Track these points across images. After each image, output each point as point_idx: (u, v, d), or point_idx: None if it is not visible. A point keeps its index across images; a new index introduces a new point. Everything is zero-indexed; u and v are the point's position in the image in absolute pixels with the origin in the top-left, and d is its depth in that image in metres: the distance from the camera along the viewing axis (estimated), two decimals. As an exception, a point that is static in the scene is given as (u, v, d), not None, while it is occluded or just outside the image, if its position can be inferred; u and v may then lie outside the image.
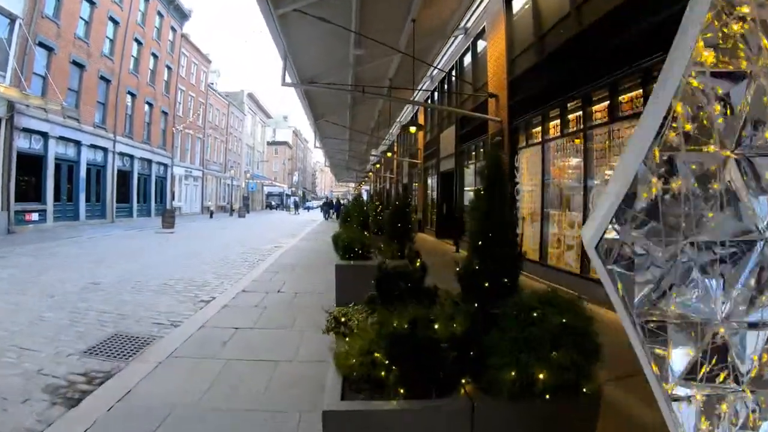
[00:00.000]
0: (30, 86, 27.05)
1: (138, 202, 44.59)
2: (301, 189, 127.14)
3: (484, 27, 18.56)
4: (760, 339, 1.94)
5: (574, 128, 12.34)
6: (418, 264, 5.37)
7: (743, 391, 1.93)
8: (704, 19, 1.81)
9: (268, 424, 4.70)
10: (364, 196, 38.97)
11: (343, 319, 4.88)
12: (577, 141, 12.21)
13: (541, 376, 3.16)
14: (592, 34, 11.13)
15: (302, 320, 8.42)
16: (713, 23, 1.83)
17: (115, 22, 38.25)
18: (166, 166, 50.81)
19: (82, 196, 34.57)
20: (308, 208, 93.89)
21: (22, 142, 27.71)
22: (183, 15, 52.18)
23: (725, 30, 1.85)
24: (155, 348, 7.07)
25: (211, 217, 52.91)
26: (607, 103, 10.91)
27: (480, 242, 4.19)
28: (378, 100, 25.13)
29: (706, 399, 1.93)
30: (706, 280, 1.91)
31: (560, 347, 3.25)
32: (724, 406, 1.93)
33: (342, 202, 58.51)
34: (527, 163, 14.99)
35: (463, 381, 3.46)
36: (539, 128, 14.17)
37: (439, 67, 23.48)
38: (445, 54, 22.19)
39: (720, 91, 1.88)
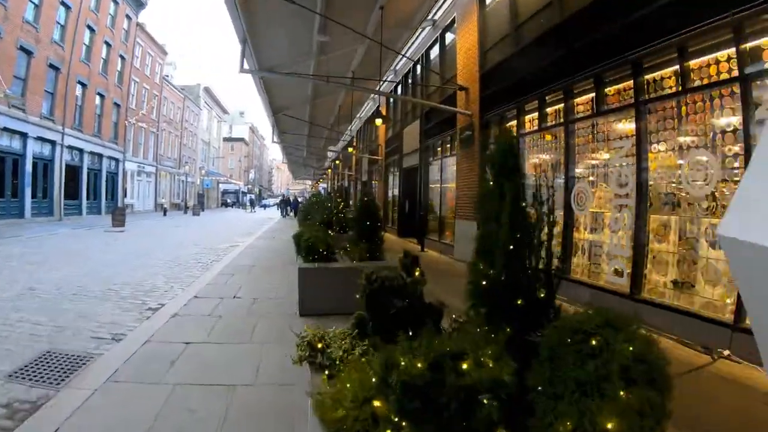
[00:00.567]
0: (-30, 72, 24.90)
1: (88, 198, 42.02)
2: (258, 187, 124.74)
3: (452, 19, 17.71)
4: None
5: (554, 122, 11.62)
6: (417, 273, 4.33)
7: None
8: None
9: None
10: (322, 194, 38.07)
11: (320, 345, 3.85)
12: (557, 135, 11.47)
13: (609, 425, 2.30)
14: (575, 24, 10.41)
15: (262, 331, 7.36)
16: None
17: (67, 7, 35.72)
18: (117, 161, 48.13)
19: (28, 192, 32.16)
20: (264, 206, 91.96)
21: (-42, 133, 25.50)
22: (139, 3, 49.49)
23: None
24: (92, 370, 5.83)
25: (164, 214, 50.46)
26: (591, 95, 10.23)
27: (493, 247, 3.39)
28: (339, 94, 24.19)
29: None
30: None
31: (632, 385, 2.42)
32: None
33: (299, 200, 57.69)
34: (499, 158, 14.11)
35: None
36: (514, 122, 13.34)
37: (409, 54, 22.69)
38: (411, 46, 21.22)
39: None
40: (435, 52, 20.27)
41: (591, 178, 10.30)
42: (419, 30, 19.32)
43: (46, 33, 33.58)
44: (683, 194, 7.80)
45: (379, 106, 30.07)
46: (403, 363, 2.52)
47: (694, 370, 6.29)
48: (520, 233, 3.19)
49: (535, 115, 12.36)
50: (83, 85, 40.15)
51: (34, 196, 33.30)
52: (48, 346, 6.82)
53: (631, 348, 2.44)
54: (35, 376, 5.76)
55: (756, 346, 1.94)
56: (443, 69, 18.66)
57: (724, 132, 7.16)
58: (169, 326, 7.64)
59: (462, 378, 2.49)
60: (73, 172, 39.67)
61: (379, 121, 15.01)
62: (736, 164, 6.91)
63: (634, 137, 8.80)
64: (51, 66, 34.65)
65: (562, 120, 11.18)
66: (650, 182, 8.54)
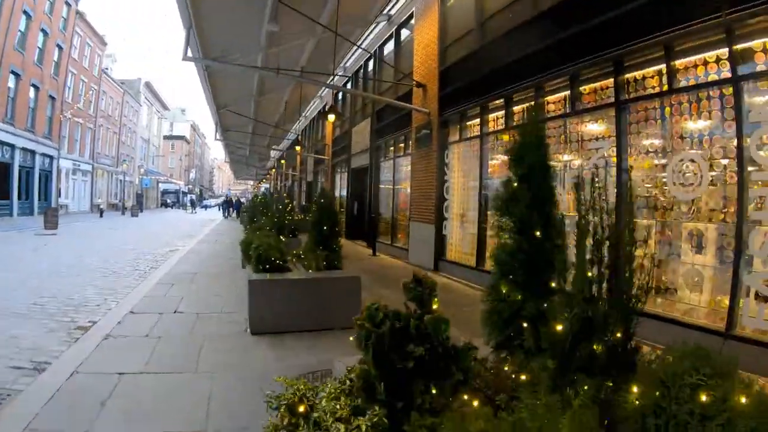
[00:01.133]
0: None
1: (19, 198, 38.44)
2: (199, 187, 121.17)
3: (410, 14, 16.62)
4: None
5: (521, 121, 10.74)
6: (434, 304, 3.27)
7: None
8: None
9: None
10: (266, 195, 36.36)
11: (302, 409, 2.74)
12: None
13: None
14: (550, 19, 9.70)
15: (209, 357, 6.15)
16: None
17: (2, -10, 32.08)
18: (51, 158, 44.36)
19: (-50, 192, 28.84)
20: (206, 207, 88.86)
21: None
22: (80, -12, 46.04)
23: None
24: (4, 417, 4.48)
25: (101, 216, 47.06)
26: (565, 94, 9.66)
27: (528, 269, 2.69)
28: (285, 91, 22.90)
29: None
30: None
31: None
32: None
33: (242, 200, 56.20)
34: (460, 158, 13.34)
35: None
36: (477, 120, 12.55)
37: (359, 54, 21.65)
38: (364, 42, 19.89)
39: None
40: (389, 48, 19.23)
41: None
42: (373, 25, 18.25)
43: (-23, 17, 29.93)
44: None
45: (326, 105, 29.20)
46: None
47: None
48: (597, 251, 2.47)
49: (501, 113, 11.60)
50: (16, 75, 36.68)
51: (-41, 196, 29.85)
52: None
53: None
54: None
55: None
56: (398, 66, 17.73)
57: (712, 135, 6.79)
58: (101, 351, 6.30)
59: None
60: (3, 170, 36.42)
61: (331, 117, 14.06)
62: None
63: (614, 138, 8.28)
64: (-21, 53, 31.13)
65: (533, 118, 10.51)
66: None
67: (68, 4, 45.23)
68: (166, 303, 9.07)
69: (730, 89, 6.49)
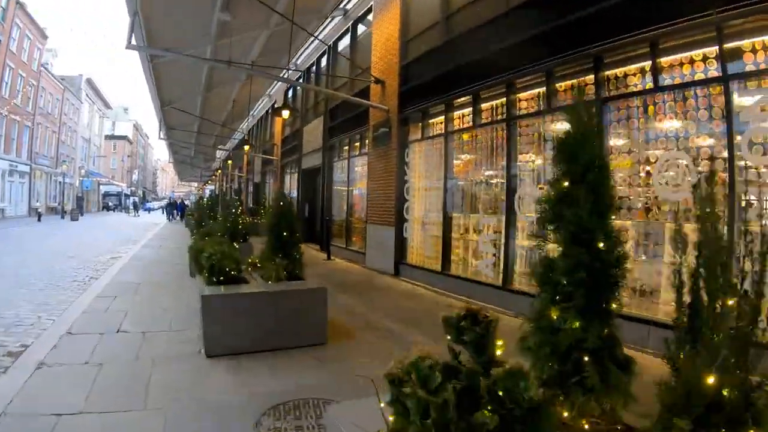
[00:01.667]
0: None
1: None
2: (141, 189, 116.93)
3: (368, 8, 15.67)
4: None
5: (491, 118, 10.31)
6: (497, 348, 2.42)
7: None
8: None
9: None
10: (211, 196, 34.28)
11: None
12: (496, 133, 10.12)
13: None
14: (525, 12, 9.12)
15: (160, 388, 5.10)
16: None
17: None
18: None
19: None
20: (149, 210, 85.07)
21: None
22: (20, -23, 42.91)
23: None
24: None
25: (39, 219, 44.41)
26: (539, 90, 9.13)
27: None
28: (233, 88, 21.51)
29: None
30: None
31: None
32: None
33: (186, 202, 54.39)
34: (422, 158, 12.58)
35: None
36: (441, 118, 11.80)
37: (311, 50, 20.66)
38: (319, 35, 18.69)
39: None
40: (345, 43, 18.13)
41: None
42: (328, 19, 17.25)
43: None
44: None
45: (275, 103, 28.21)
46: None
47: None
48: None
49: (468, 111, 10.89)
50: (-52, 67, 32.71)
51: None
52: None
53: None
54: None
55: None
56: (354, 62, 16.64)
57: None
58: (34, 384, 5.17)
59: None
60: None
61: (285, 113, 13.05)
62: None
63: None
64: None
65: (503, 117, 9.90)
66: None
67: (8, -6, 41.39)
68: (108, 320, 7.84)
69: (718, 88, 6.29)
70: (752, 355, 2.00)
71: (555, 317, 3.02)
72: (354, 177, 17.27)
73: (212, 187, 65.92)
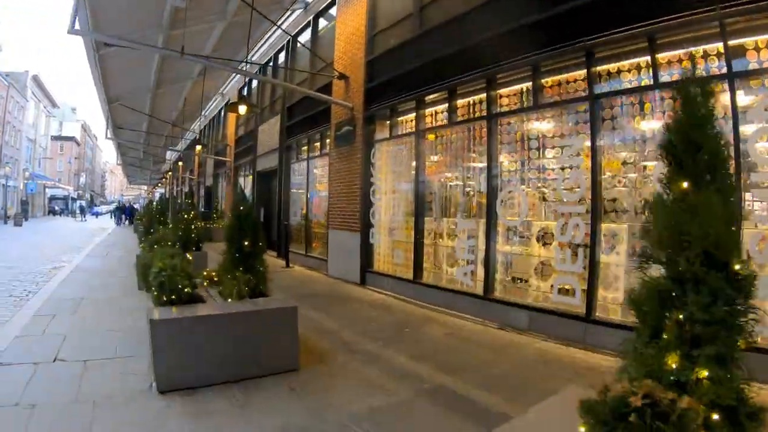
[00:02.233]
0: None
1: None
2: (89, 192, 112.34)
3: (330, 2, 14.62)
4: None
5: (468, 116, 9.44)
6: None
7: None
8: None
9: None
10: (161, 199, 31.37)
11: None
12: (475, 132, 9.27)
13: None
14: (510, 2, 8.37)
15: None
16: None
17: None
18: None
19: None
20: (96, 214, 79.95)
21: None
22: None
23: None
24: None
25: None
26: (524, 86, 8.36)
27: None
28: (185, 84, 19.74)
29: None
30: None
31: None
32: None
33: (135, 206, 52.08)
34: (390, 158, 11.61)
35: None
36: (412, 115, 10.81)
37: (268, 47, 19.31)
38: (278, 30, 17.18)
39: None
40: (305, 38, 16.64)
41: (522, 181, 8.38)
42: (288, 12, 16.00)
43: None
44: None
45: (228, 102, 26.71)
46: None
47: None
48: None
49: (443, 107, 9.96)
50: None
51: None
52: None
53: None
54: None
55: None
56: (315, 57, 15.31)
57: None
58: None
59: None
60: None
61: (242, 109, 11.74)
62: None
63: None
64: None
65: (483, 114, 9.02)
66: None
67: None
68: (44, 345, 6.45)
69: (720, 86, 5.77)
70: None
71: (673, 365, 2.00)
72: (314, 179, 16.03)
73: (162, 191, 63.37)
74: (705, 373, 2.05)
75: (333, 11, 14.37)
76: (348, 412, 4.56)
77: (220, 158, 27.68)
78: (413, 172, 10.56)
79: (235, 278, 6.30)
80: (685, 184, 2.14)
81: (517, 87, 8.50)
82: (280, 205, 18.18)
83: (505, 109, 8.69)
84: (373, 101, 11.77)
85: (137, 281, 9.00)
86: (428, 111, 10.44)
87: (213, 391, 5.03)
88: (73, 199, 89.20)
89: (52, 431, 4.17)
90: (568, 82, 7.70)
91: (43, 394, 4.91)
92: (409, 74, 10.49)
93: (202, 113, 27.26)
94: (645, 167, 6.72)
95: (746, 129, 5.68)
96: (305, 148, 16.56)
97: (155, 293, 5.81)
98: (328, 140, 14.24)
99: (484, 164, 8.85)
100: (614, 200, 6.99)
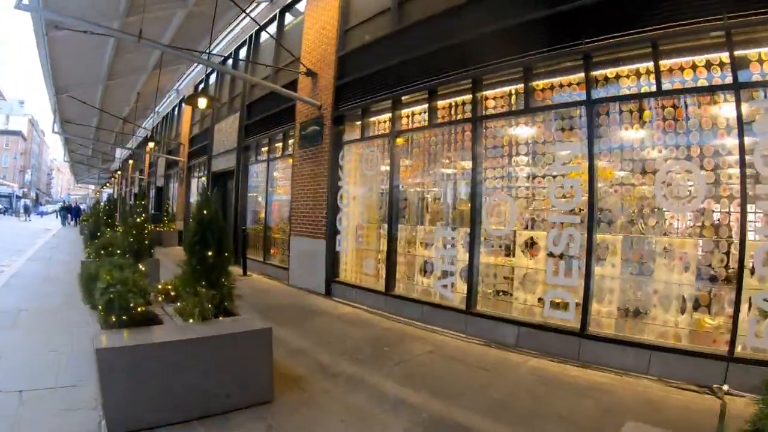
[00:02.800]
0: None
1: None
2: (35, 190, 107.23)
3: None
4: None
5: (450, 118, 8.70)
6: None
7: None
8: None
9: None
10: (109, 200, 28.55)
11: None
12: (457, 135, 8.55)
13: None
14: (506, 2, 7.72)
15: None
16: None
17: None
18: None
19: None
20: (42, 214, 75.13)
21: None
22: None
23: None
24: None
25: None
26: (514, 88, 7.73)
27: None
28: (139, 77, 17.90)
29: None
30: None
31: None
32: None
33: (81, 206, 49.77)
34: (361, 161, 10.69)
35: None
36: (387, 116, 9.97)
37: (228, 41, 17.98)
38: (242, 22, 16.32)
39: None
40: (271, 31, 14.85)
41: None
42: (254, 4, 14.78)
43: None
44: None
45: (183, 99, 25.29)
46: None
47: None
48: None
49: (423, 108, 9.17)
50: None
51: None
52: None
53: None
54: None
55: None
56: (280, 53, 14.19)
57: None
58: None
59: None
60: None
61: (202, 102, 10.52)
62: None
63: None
64: None
65: (467, 116, 8.30)
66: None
67: None
68: None
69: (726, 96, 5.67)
70: None
71: None
72: (275, 181, 14.90)
73: (110, 191, 60.72)
74: None
75: (300, 6, 13.38)
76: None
77: (173, 158, 26.13)
78: (387, 177, 9.74)
79: (197, 294, 5.30)
80: None
81: (506, 89, 7.83)
82: (236, 209, 16.89)
83: (492, 111, 8.01)
84: (343, 100, 10.88)
85: (80, 296, 7.71)
86: (405, 111, 9.64)
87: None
88: (18, 198, 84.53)
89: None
90: (561, 86, 7.16)
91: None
92: (384, 72, 9.68)
93: (156, 110, 25.79)
94: (643, 176, 6.27)
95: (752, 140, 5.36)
96: (266, 148, 15.42)
97: (102, 312, 4.77)
98: (291, 141, 13.21)
99: (468, 169, 8.18)
100: (610, 210, 6.54)
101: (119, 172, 45.88)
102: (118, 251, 7.78)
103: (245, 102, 16.37)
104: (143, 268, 6.52)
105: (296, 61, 12.29)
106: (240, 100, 16.88)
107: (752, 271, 5.36)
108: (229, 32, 17.21)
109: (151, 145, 21.75)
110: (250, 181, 16.69)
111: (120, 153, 41.65)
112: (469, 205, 8.04)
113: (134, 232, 7.98)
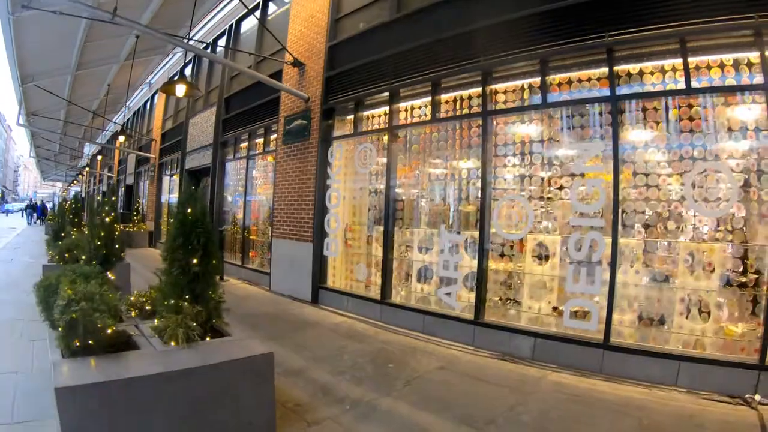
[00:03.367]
0: None
1: None
2: (1, 188, 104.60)
3: None
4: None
5: (454, 112, 7.98)
6: None
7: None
8: None
9: None
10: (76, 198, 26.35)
11: None
12: (463, 131, 7.83)
13: None
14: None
15: None
16: None
17: None
18: None
19: None
20: (7, 212, 70.74)
21: None
22: None
23: None
24: None
25: None
26: (528, 81, 7.04)
27: None
28: (110, 68, 16.74)
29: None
30: None
31: None
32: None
33: (47, 205, 47.97)
34: (353, 158, 9.77)
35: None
36: (383, 110, 9.13)
37: (206, 31, 16.74)
38: (219, 12, 15.41)
39: None
40: (253, 21, 14.06)
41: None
42: None
43: None
44: None
45: (156, 94, 24.12)
46: None
47: None
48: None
49: (424, 101, 8.39)
50: None
51: None
52: None
53: None
54: None
55: None
56: (263, 42, 13.32)
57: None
58: None
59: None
60: None
61: (181, 89, 9.43)
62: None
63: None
64: None
65: (475, 111, 7.58)
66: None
67: None
68: None
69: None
70: None
71: None
72: (255, 180, 13.88)
73: (77, 189, 58.66)
74: None
75: (287, -7, 12.23)
76: None
77: (144, 154, 24.75)
78: (383, 175, 8.92)
79: (180, 310, 4.35)
80: None
81: (520, 82, 7.14)
82: (212, 209, 15.65)
83: (503, 106, 7.29)
84: (334, 92, 10.00)
85: (37, 306, 6.37)
86: (404, 105, 8.81)
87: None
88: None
89: None
90: (580, 81, 6.55)
91: None
92: (381, 62, 8.86)
93: (127, 104, 24.46)
94: (669, 177, 5.84)
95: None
96: (245, 144, 14.37)
97: (62, 334, 3.79)
98: (274, 136, 12.24)
99: (475, 168, 7.52)
100: (634, 213, 6.04)
101: (87, 169, 44.06)
102: (84, 257, 6.68)
103: (223, 95, 15.28)
104: (113, 277, 5.50)
105: (281, 51, 11.32)
106: (217, 94, 15.73)
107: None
108: (207, 21, 16.09)
109: (121, 138, 20.32)
110: (227, 179, 15.63)
111: (88, 149, 39.99)
112: (476, 206, 7.40)
113: (102, 234, 6.82)
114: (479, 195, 7.30)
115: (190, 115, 18.46)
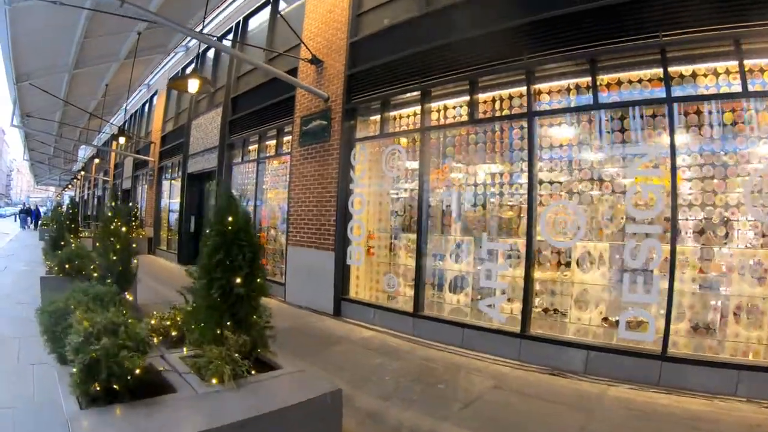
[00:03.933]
0: None
1: None
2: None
3: None
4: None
5: (494, 113, 7.39)
6: None
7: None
8: None
9: None
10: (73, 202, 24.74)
11: None
12: (504, 132, 7.25)
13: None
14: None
15: None
16: None
17: None
18: None
19: None
20: (0, 216, 74.17)
21: None
22: None
23: None
24: None
25: None
26: (577, 81, 6.56)
27: None
28: (110, 67, 15.99)
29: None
30: None
31: None
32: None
33: (41, 209, 47.05)
34: (379, 161, 9.08)
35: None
36: (413, 109, 8.49)
37: (213, 28, 15.66)
38: (230, 6, 14.58)
39: None
40: (265, 16, 13.33)
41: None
42: None
43: None
44: None
45: (155, 95, 23.30)
46: None
47: None
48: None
49: (461, 101, 7.76)
50: None
51: None
52: None
53: None
54: None
55: None
56: (273, 39, 12.56)
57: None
58: None
59: None
60: None
61: (194, 85, 8.56)
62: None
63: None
64: None
65: (518, 111, 7.05)
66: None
67: None
68: None
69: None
70: None
71: None
72: (265, 184, 13.14)
73: (72, 193, 57.47)
74: None
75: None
76: None
77: (142, 157, 23.78)
78: (415, 179, 8.24)
79: (222, 340, 3.59)
80: None
81: (567, 81, 6.67)
82: (218, 213, 14.83)
83: (549, 107, 6.79)
84: (357, 91, 9.30)
85: (41, 336, 5.22)
86: (436, 105, 8.17)
87: None
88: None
89: None
90: (630, 82, 6.17)
91: None
92: (411, 60, 8.21)
93: (124, 106, 23.60)
94: (725, 181, 5.57)
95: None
96: (254, 146, 13.57)
97: (78, 377, 3.00)
98: (288, 138, 11.51)
99: (518, 171, 7.03)
100: (692, 218, 5.77)
101: (82, 173, 42.93)
102: (96, 275, 5.84)
103: (230, 95, 14.46)
104: (130, 298, 4.70)
105: (294, 49, 10.63)
106: (223, 94, 14.88)
107: None
108: (213, 18, 15.30)
109: (122, 140, 19.47)
110: (236, 184, 14.73)
111: (83, 153, 38.95)
112: (518, 212, 6.95)
113: (118, 247, 5.96)
114: (523, 200, 6.77)
115: (192, 117, 17.63)
